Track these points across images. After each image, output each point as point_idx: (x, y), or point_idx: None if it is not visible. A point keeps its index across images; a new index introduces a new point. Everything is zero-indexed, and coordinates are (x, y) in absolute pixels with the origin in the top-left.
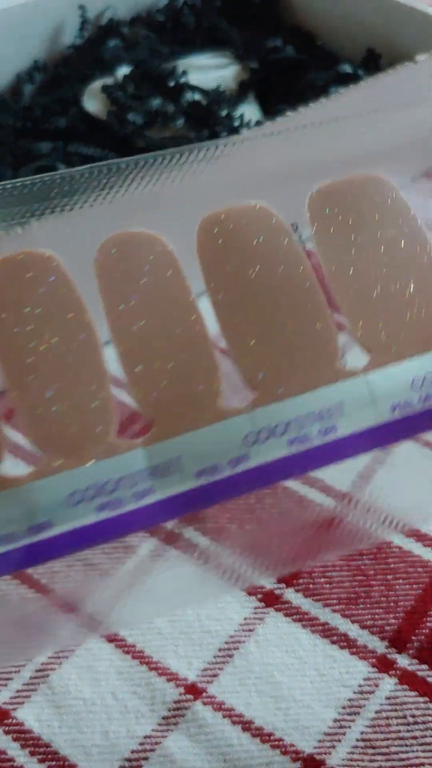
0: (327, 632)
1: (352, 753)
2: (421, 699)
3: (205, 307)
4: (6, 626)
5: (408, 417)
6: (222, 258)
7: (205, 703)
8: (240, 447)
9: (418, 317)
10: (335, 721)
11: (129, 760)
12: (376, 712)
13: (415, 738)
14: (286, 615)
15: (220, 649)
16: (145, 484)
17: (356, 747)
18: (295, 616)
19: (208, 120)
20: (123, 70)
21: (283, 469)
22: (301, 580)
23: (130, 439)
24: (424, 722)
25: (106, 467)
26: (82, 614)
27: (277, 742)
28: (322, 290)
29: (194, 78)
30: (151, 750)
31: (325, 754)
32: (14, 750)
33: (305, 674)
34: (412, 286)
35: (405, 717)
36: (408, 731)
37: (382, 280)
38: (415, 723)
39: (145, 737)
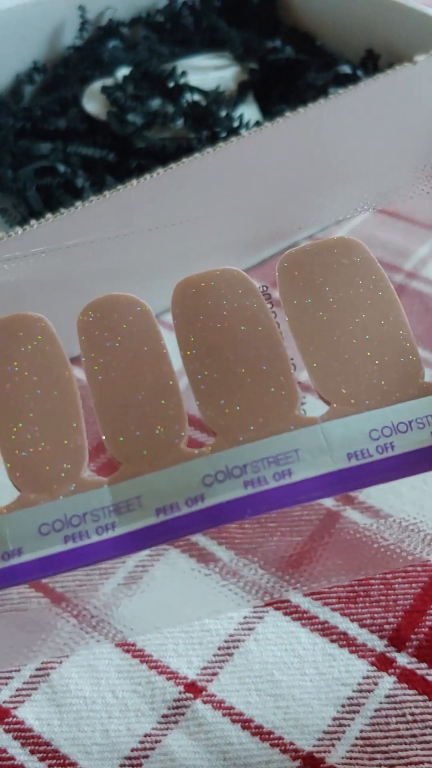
0: (326, 631)
1: (352, 751)
2: (420, 697)
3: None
4: (7, 627)
5: (365, 465)
6: (194, 318)
7: (204, 702)
8: (197, 487)
9: (378, 372)
10: (335, 719)
11: (129, 758)
12: (376, 710)
13: (414, 736)
14: (286, 613)
15: (219, 648)
16: (108, 519)
17: (356, 745)
18: (294, 615)
19: (208, 120)
20: (122, 71)
21: (238, 510)
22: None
23: (97, 471)
24: (423, 720)
25: (73, 502)
26: (81, 614)
27: (276, 741)
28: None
29: (194, 79)
30: (151, 748)
31: (325, 752)
32: (15, 748)
33: (305, 673)
34: (375, 342)
35: (404, 715)
36: (407, 729)
37: (345, 336)
38: (415, 721)
39: (145, 735)
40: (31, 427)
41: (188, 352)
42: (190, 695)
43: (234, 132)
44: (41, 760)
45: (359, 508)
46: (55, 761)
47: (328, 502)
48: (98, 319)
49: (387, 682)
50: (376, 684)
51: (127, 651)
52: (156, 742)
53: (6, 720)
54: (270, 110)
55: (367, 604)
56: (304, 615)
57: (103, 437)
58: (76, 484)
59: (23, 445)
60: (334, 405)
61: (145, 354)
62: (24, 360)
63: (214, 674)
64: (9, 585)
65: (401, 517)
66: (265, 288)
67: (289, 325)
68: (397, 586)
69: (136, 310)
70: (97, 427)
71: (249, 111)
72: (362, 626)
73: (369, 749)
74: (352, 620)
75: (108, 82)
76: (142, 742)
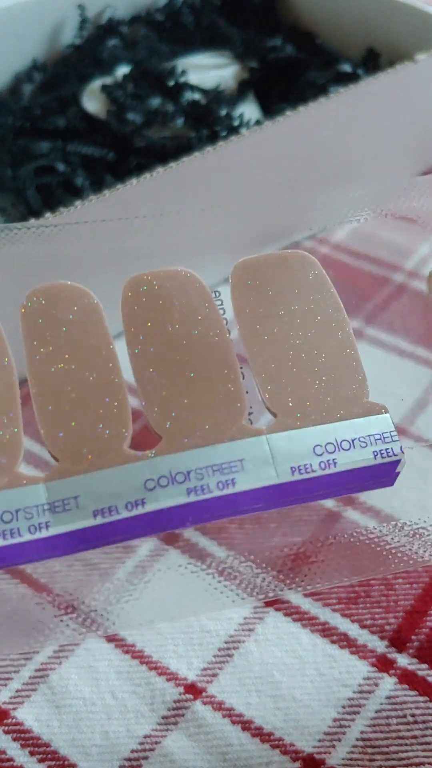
0: (327, 632)
1: (352, 752)
2: (421, 698)
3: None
4: (4, 624)
5: (307, 480)
6: (144, 315)
7: (204, 703)
8: (139, 491)
9: (325, 388)
10: (335, 720)
11: (129, 759)
12: (376, 711)
13: (415, 737)
14: (286, 614)
15: (219, 649)
16: (42, 518)
17: (356, 746)
18: (294, 616)
19: (208, 119)
20: (122, 70)
21: (180, 517)
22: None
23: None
24: (424, 722)
25: (6, 497)
26: (81, 614)
27: (276, 742)
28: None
29: (194, 77)
30: (151, 750)
31: (325, 753)
32: (14, 750)
33: (305, 674)
34: (322, 358)
35: (405, 716)
36: (408, 731)
37: (294, 350)
38: (415, 722)
39: (144, 737)
40: None
41: (135, 350)
42: (190, 696)
43: (234, 131)
44: (41, 761)
45: (360, 509)
46: (54, 762)
47: (329, 503)
48: (42, 307)
49: (388, 683)
50: (376, 685)
51: (127, 652)
52: (156, 743)
53: (5, 721)
54: (270, 109)
55: (368, 605)
56: (305, 616)
57: (42, 431)
58: (10, 478)
59: None
60: (280, 417)
61: (91, 348)
62: None
63: (214, 675)
64: None
65: (403, 522)
66: (217, 293)
67: (240, 333)
68: (397, 586)
69: (83, 301)
70: (36, 419)
71: (249, 110)
72: (363, 627)
73: (369, 750)
74: (353, 621)
75: (108, 80)
76: (141, 744)
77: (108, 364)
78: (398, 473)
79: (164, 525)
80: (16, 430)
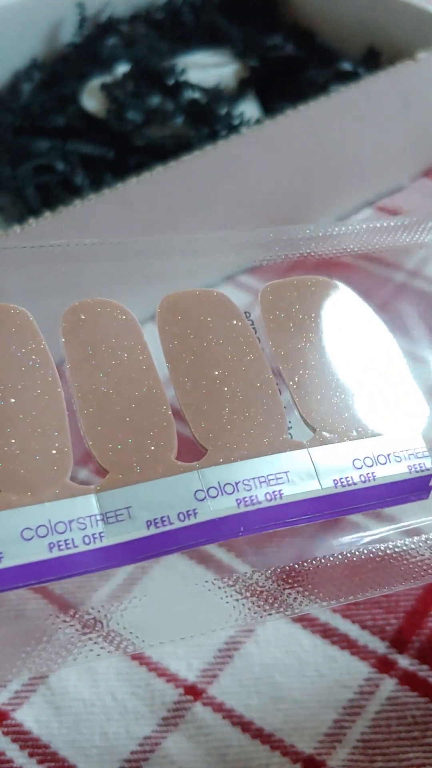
0: (327, 633)
1: (353, 754)
2: (421, 699)
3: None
4: (6, 632)
5: (350, 492)
6: (180, 333)
7: (204, 704)
8: (190, 502)
9: (361, 404)
10: (335, 721)
11: (128, 761)
12: (377, 712)
13: (415, 738)
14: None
15: (219, 650)
16: (95, 529)
17: (356, 748)
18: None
19: (208, 118)
20: (122, 68)
21: (231, 527)
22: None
23: (86, 480)
24: (424, 723)
25: (59, 508)
26: (81, 615)
27: (277, 743)
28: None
29: (193, 76)
30: (151, 751)
31: (326, 754)
32: (13, 751)
33: (305, 675)
34: (357, 376)
35: (405, 717)
36: (408, 732)
37: (327, 368)
38: (416, 723)
39: (144, 738)
40: (17, 425)
41: (174, 366)
42: (190, 698)
43: (234, 130)
44: (40, 762)
45: (377, 518)
46: (53, 764)
47: None
48: (83, 323)
49: (388, 684)
50: (377, 686)
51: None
52: (155, 744)
53: (5, 722)
54: (270, 107)
55: (368, 606)
56: (305, 617)
57: (89, 443)
58: (61, 488)
59: (5, 442)
60: (319, 431)
61: (132, 363)
62: (8, 355)
63: (214, 676)
64: None
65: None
66: (248, 314)
67: (274, 352)
68: None
69: (121, 317)
70: (82, 433)
71: (249, 108)
72: (363, 628)
73: (370, 752)
74: (353, 622)
75: (107, 79)
76: (141, 745)
77: (149, 377)
78: (431, 487)
79: (216, 535)
80: (64, 441)
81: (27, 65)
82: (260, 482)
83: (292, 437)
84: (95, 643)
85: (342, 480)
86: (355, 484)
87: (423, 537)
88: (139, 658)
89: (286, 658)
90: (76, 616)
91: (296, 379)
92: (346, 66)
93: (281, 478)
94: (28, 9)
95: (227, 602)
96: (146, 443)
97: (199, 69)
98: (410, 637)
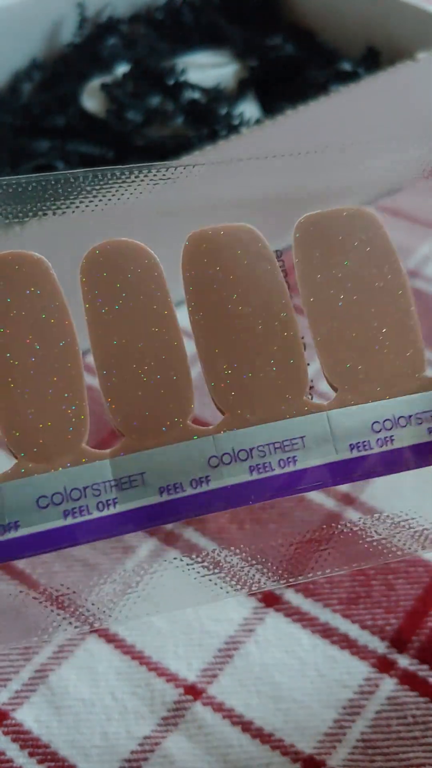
0: (327, 632)
1: (353, 753)
2: (421, 699)
3: (183, 318)
4: (2, 622)
5: (366, 457)
6: (205, 277)
7: (204, 704)
8: (203, 468)
9: (386, 361)
10: (335, 721)
11: (128, 761)
12: (377, 712)
13: (415, 738)
14: (286, 615)
15: (219, 650)
16: (109, 495)
17: (356, 747)
18: (295, 617)
19: (208, 118)
20: (122, 68)
21: (243, 495)
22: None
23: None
24: (424, 722)
25: (73, 475)
26: (79, 613)
27: (277, 743)
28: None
29: (193, 76)
30: (151, 751)
31: (326, 754)
32: (13, 751)
33: (305, 675)
34: (385, 329)
35: (405, 717)
36: (408, 732)
37: (358, 320)
38: (416, 723)
39: (144, 738)
40: (29, 385)
41: (197, 317)
42: (190, 697)
43: (234, 130)
44: (40, 762)
45: (361, 509)
46: (54, 764)
47: (330, 503)
48: (102, 266)
49: (388, 684)
50: (377, 686)
51: (127, 653)
52: (155, 744)
53: (5, 722)
54: (270, 108)
55: (368, 606)
56: (305, 617)
57: (107, 403)
58: (77, 455)
59: (19, 405)
60: (340, 392)
61: (154, 314)
62: (21, 307)
63: (214, 676)
64: (6, 560)
65: (394, 513)
66: (279, 253)
67: (302, 301)
68: (398, 587)
69: (144, 261)
70: (100, 389)
71: (249, 108)
72: (363, 628)
73: (370, 751)
74: (353, 622)
75: (107, 79)
76: (141, 745)
77: (171, 332)
78: None
79: (228, 503)
80: (79, 404)
81: (27, 65)
82: (275, 448)
83: (312, 398)
84: (63, 618)
85: (359, 445)
86: (371, 448)
87: (381, 515)
88: (139, 658)
89: (286, 658)
90: (46, 593)
91: (323, 332)
92: (346, 66)
93: (296, 443)
94: (28, 9)
95: (195, 579)
96: (163, 405)
97: (199, 69)
98: (410, 637)
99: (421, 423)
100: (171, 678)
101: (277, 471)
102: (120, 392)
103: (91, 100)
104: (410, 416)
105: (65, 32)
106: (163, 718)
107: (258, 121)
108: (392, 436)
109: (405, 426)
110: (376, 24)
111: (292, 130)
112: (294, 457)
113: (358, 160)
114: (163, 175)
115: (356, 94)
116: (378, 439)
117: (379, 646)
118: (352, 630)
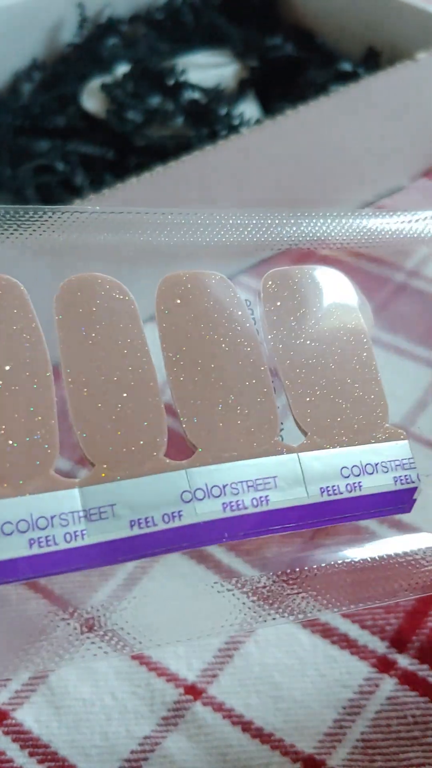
0: (327, 632)
1: (353, 753)
2: (421, 699)
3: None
4: (6, 631)
5: (335, 502)
6: (178, 318)
7: (204, 704)
8: (176, 503)
9: (351, 410)
10: (335, 721)
11: (128, 760)
12: (377, 712)
13: (415, 738)
14: None
15: (219, 650)
16: (77, 526)
17: (356, 747)
18: None
19: (208, 118)
20: (122, 69)
21: (216, 532)
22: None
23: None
24: (424, 722)
25: (41, 502)
26: (80, 615)
27: (277, 743)
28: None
29: (193, 76)
30: (151, 750)
31: (326, 754)
32: (13, 751)
33: (305, 675)
34: (349, 378)
35: (405, 717)
36: (408, 732)
37: (324, 368)
38: (416, 723)
39: (144, 738)
40: (2, 410)
41: (170, 354)
42: (190, 697)
43: (234, 130)
44: (40, 762)
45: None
46: (53, 763)
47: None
48: (78, 299)
49: (388, 684)
50: (377, 686)
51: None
52: (155, 744)
53: (5, 722)
54: (270, 108)
55: (368, 606)
56: None
57: (78, 433)
58: (44, 481)
59: None
60: (310, 436)
61: (128, 349)
62: None
63: (214, 676)
64: None
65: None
66: (248, 303)
67: (272, 346)
68: None
69: (118, 297)
70: (71, 421)
71: (249, 109)
72: (363, 628)
73: (370, 751)
74: (353, 622)
75: (107, 79)
76: (141, 745)
77: (144, 366)
78: (415, 500)
79: (200, 539)
80: (49, 428)
81: (27, 65)
82: (248, 486)
83: (282, 439)
84: (92, 642)
85: (328, 489)
86: (341, 493)
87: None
88: (139, 658)
89: (286, 658)
90: (75, 614)
91: (292, 377)
92: (346, 66)
93: (269, 483)
94: (28, 9)
95: (229, 602)
96: (135, 437)
97: (199, 69)
98: (410, 637)
99: (387, 471)
100: (171, 678)
101: (250, 510)
102: (92, 423)
103: (91, 100)
104: (377, 464)
105: (65, 32)
106: (163, 718)
107: (258, 121)
108: (360, 482)
109: (372, 474)
110: (376, 24)
111: (292, 130)
112: (267, 496)
113: (225, 220)
114: (49, 217)
115: (356, 94)
116: (347, 485)
117: (379, 646)
118: (352, 630)
